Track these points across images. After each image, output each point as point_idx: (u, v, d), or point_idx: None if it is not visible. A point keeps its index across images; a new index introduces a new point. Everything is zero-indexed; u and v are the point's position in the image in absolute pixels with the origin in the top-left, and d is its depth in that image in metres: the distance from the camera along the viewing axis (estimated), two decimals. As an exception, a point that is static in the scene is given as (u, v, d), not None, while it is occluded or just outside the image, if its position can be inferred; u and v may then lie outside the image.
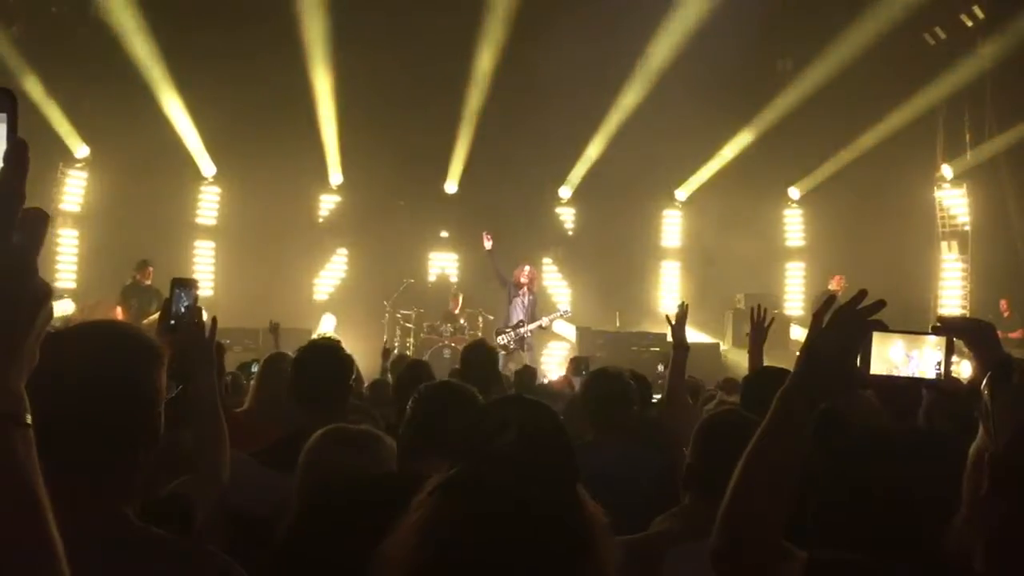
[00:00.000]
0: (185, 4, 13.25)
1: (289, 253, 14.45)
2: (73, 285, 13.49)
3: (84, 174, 13.86)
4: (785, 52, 14.36)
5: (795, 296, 15.50)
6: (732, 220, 14.73)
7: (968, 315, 11.71)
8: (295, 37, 12.69)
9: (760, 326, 4.38)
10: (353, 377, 3.57)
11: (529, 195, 15.06)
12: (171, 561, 1.53)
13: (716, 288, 14.48)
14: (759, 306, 4.46)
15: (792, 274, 15.72)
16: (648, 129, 13.29)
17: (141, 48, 12.56)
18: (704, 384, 6.60)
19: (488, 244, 12.26)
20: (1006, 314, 12.43)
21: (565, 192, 15.52)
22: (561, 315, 12.89)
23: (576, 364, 7.11)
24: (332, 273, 15.20)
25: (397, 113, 13.79)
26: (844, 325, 1.60)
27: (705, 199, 15.24)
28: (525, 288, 12.37)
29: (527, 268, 12.54)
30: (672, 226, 16.00)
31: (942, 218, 14.21)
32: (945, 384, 1.74)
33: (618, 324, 14.33)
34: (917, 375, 1.71)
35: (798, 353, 1.63)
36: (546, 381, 7.90)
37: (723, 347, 13.77)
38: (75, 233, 13.77)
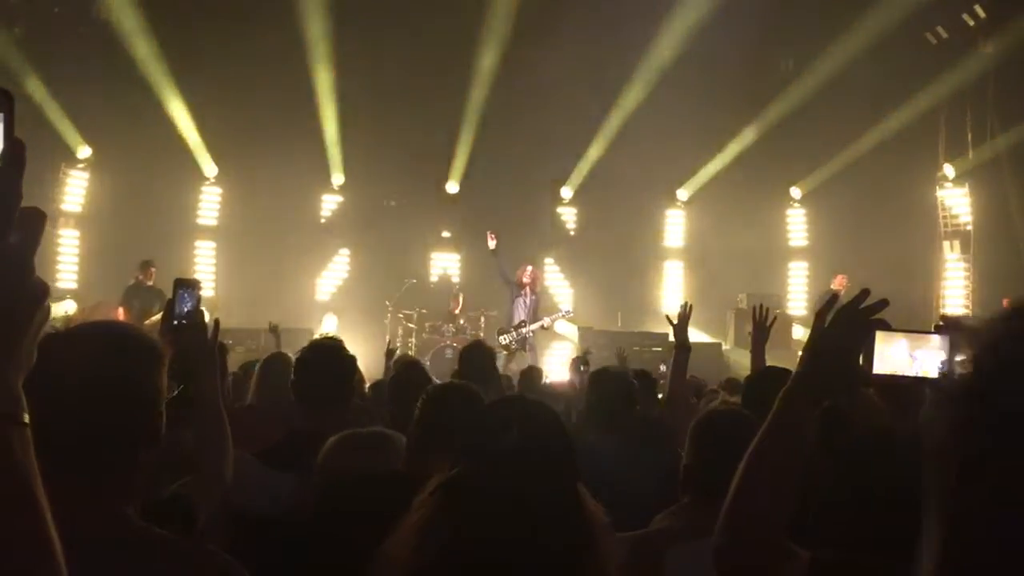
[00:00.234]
0: (187, 4, 13.26)
1: (291, 253, 14.45)
2: (74, 285, 13.51)
3: (86, 174, 13.87)
4: (787, 51, 14.36)
5: (798, 296, 15.49)
6: (734, 219, 14.72)
7: (971, 314, 11.70)
8: (297, 38, 12.69)
9: (762, 326, 4.37)
10: (356, 377, 3.56)
11: (531, 195, 15.06)
12: (172, 561, 1.53)
13: (718, 288, 14.46)
14: (761, 305, 4.45)
15: (795, 274, 15.71)
16: (650, 129, 13.28)
17: (143, 49, 12.57)
18: (706, 384, 6.60)
19: (492, 243, 12.25)
20: (1009, 313, 12.40)
21: (567, 192, 15.51)
22: (563, 315, 12.89)
23: (575, 363, 7.11)
24: (334, 273, 15.20)
25: (399, 113, 13.79)
26: (847, 324, 1.59)
27: (707, 198, 15.23)
28: (527, 288, 12.37)
29: (529, 268, 12.53)
30: (674, 226, 15.99)
31: (944, 218, 14.20)
32: (948, 383, 1.73)
33: (620, 324, 14.32)
34: (920, 374, 1.71)
35: (800, 353, 1.63)
36: (547, 381, 7.89)
37: (725, 347, 13.76)
38: (76, 233, 13.78)
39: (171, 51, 12.78)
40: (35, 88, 11.89)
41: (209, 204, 14.93)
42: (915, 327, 1.76)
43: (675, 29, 12.53)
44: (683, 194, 15.66)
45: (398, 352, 9.84)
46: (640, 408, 3.97)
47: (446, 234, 15.30)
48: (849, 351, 1.59)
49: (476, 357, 4.71)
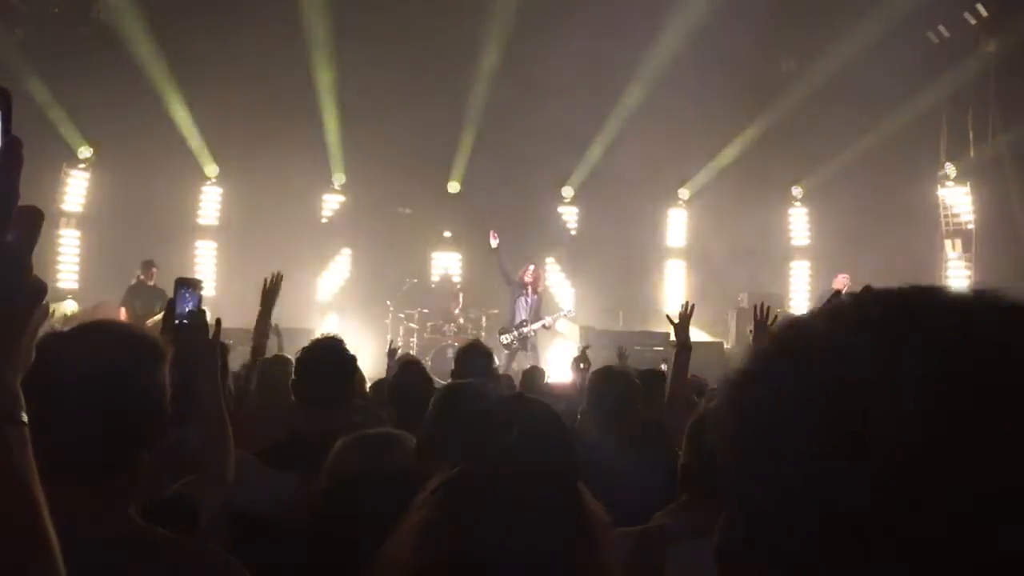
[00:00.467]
0: (188, 4, 13.26)
1: (292, 253, 14.39)
2: (76, 285, 13.52)
3: (87, 174, 13.88)
4: (789, 51, 14.35)
5: (799, 295, 15.48)
6: (736, 218, 14.71)
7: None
8: (298, 37, 12.70)
9: (764, 325, 4.36)
10: (356, 377, 3.56)
11: (532, 194, 15.05)
12: (174, 560, 1.53)
13: (720, 287, 14.45)
14: (762, 304, 4.43)
15: (796, 273, 15.71)
16: (652, 128, 13.27)
17: (144, 48, 12.58)
18: (708, 383, 6.59)
19: (495, 242, 12.26)
20: (1011, 312, 12.39)
21: (568, 191, 15.51)
22: (564, 315, 12.89)
23: (575, 362, 7.12)
24: (335, 273, 15.20)
25: (400, 113, 13.77)
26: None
27: (709, 198, 15.22)
28: (529, 287, 12.37)
29: (531, 267, 12.54)
30: (676, 225, 15.99)
31: (946, 216, 14.19)
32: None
33: (621, 323, 14.32)
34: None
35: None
36: (548, 380, 7.88)
37: (727, 346, 13.75)
38: (77, 233, 13.79)
39: (172, 51, 12.79)
40: (36, 88, 11.90)
41: (210, 204, 14.93)
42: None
43: (677, 28, 12.53)
44: (685, 193, 15.66)
45: (400, 352, 9.84)
46: (642, 408, 3.96)
47: (447, 234, 15.30)
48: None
49: (473, 357, 4.71)
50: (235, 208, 14.70)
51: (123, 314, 11.35)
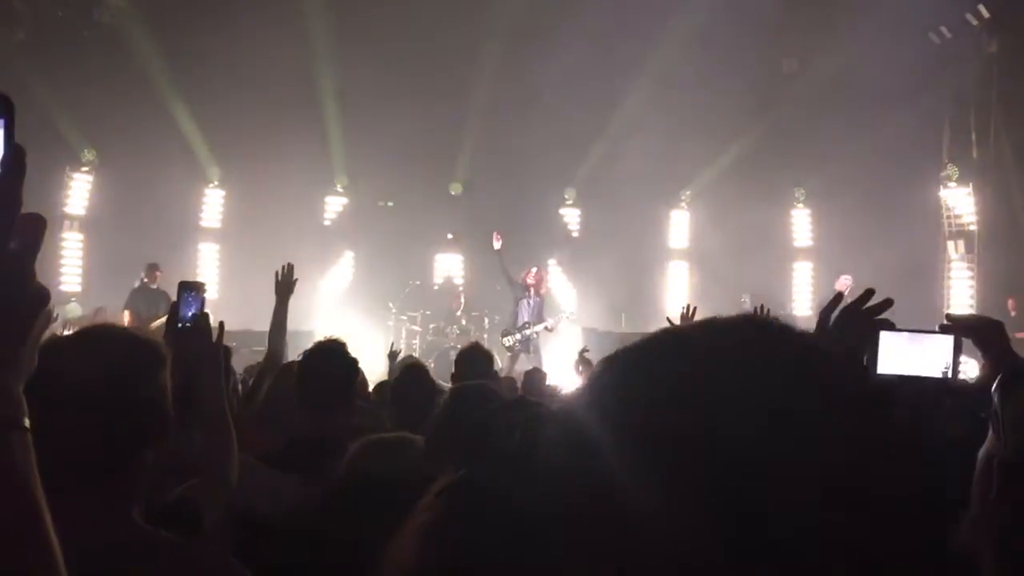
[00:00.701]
0: (190, 7, 13.27)
1: (294, 256, 14.28)
2: (79, 289, 13.52)
3: (90, 178, 13.89)
4: (791, 52, 14.33)
5: (802, 296, 15.46)
6: (738, 220, 14.68)
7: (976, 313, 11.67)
8: (300, 40, 12.70)
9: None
10: (358, 379, 3.56)
11: (534, 196, 15.03)
12: (177, 564, 1.53)
13: (722, 288, 14.42)
14: (763, 306, 4.44)
15: (799, 274, 15.68)
16: (654, 129, 13.25)
17: (146, 52, 12.59)
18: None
19: (497, 244, 12.28)
20: (1013, 313, 12.37)
21: (571, 193, 15.50)
22: (566, 317, 12.89)
23: (578, 364, 7.12)
24: (338, 276, 15.20)
25: (402, 115, 13.76)
26: (851, 324, 1.59)
27: (711, 199, 15.21)
28: (532, 289, 12.38)
29: (534, 269, 12.55)
30: (678, 226, 15.97)
31: (948, 218, 14.16)
32: (953, 383, 1.72)
33: (624, 325, 14.30)
34: (924, 374, 1.70)
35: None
36: (549, 382, 7.87)
37: (729, 347, 13.71)
38: (81, 237, 13.80)
39: (174, 53, 12.80)
40: (39, 91, 11.89)
41: (213, 207, 14.95)
42: (919, 327, 1.75)
43: (679, 29, 12.52)
44: (687, 194, 15.64)
45: (401, 354, 9.84)
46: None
47: (450, 236, 15.30)
48: (853, 351, 1.58)
49: (473, 359, 4.71)
50: (237, 211, 14.70)
51: (127, 317, 11.36)
